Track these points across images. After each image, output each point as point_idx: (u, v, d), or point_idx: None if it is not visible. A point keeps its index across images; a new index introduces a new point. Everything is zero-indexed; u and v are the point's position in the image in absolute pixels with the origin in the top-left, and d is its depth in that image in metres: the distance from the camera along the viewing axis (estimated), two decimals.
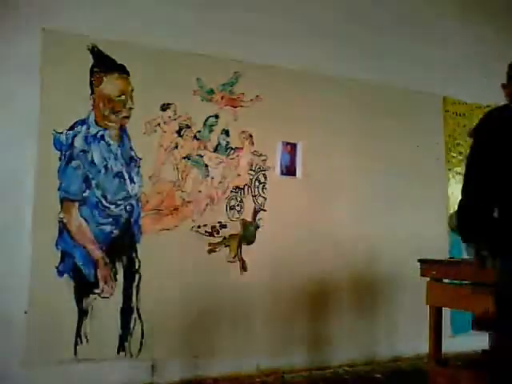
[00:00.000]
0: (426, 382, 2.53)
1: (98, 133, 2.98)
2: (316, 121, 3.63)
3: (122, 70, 3.06)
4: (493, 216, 1.47)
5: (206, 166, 3.26)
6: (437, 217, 4.09)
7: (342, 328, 3.59)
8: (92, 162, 2.95)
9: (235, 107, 3.37)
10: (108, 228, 2.97)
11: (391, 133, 3.93)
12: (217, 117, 3.31)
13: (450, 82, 4.23)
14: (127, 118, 3.06)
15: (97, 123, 2.98)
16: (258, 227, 3.37)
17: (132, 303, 2.99)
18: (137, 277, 3.02)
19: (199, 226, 3.20)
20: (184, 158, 3.20)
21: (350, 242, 3.67)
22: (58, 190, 2.86)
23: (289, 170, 3.52)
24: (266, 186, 3.43)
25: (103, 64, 3.01)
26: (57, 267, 2.83)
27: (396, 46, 4.02)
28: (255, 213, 3.38)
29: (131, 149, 3.06)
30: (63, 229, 2.86)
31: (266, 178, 3.44)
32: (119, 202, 3.00)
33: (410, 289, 3.69)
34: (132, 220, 3.03)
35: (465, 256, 3.11)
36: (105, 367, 2.90)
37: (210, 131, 3.29)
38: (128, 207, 3.03)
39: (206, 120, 3.27)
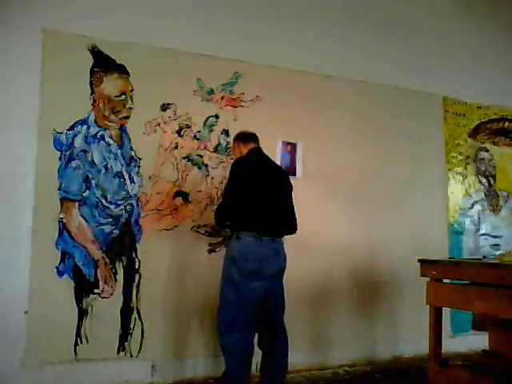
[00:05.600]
0: (425, 382, 2.53)
1: (98, 133, 2.98)
2: (316, 121, 3.63)
3: (122, 70, 3.06)
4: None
5: (206, 166, 3.26)
6: (437, 217, 4.09)
7: (342, 328, 3.59)
8: (92, 162, 2.95)
9: (235, 107, 3.37)
10: (108, 228, 2.97)
11: (391, 132, 3.93)
12: (217, 117, 3.31)
13: (450, 82, 4.23)
14: (127, 118, 3.07)
15: (97, 123, 2.98)
16: None
17: (132, 303, 2.99)
18: (137, 277, 3.02)
19: (199, 226, 3.20)
20: (184, 158, 3.20)
21: (350, 241, 3.67)
22: (58, 190, 2.86)
23: (289, 170, 3.51)
24: None
25: (103, 64, 3.02)
26: (57, 267, 2.83)
27: (396, 47, 4.02)
28: None
29: (131, 149, 3.06)
30: (63, 229, 2.86)
31: None
32: (119, 202, 3.00)
33: (410, 289, 3.69)
34: (132, 220, 3.03)
35: None
36: (105, 367, 2.90)
37: (210, 131, 3.29)
38: (128, 207, 3.03)
39: (206, 120, 3.28)
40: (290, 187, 2.77)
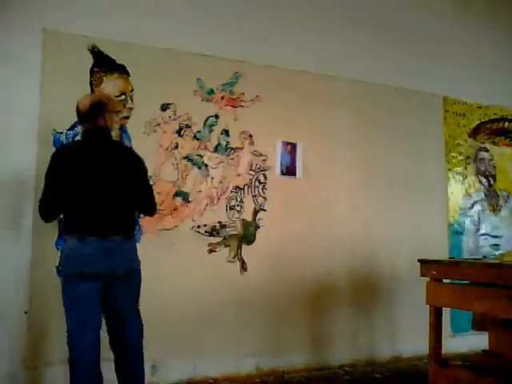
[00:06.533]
0: (426, 382, 2.53)
1: None
2: (316, 121, 3.63)
3: (122, 70, 3.06)
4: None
5: (206, 166, 3.26)
6: (437, 217, 4.09)
7: (342, 328, 3.59)
8: None
9: (235, 107, 3.37)
10: None
11: (391, 132, 3.93)
12: (217, 117, 3.31)
13: (450, 81, 4.23)
14: (127, 118, 3.06)
15: None
16: (258, 227, 3.37)
17: None
18: None
19: (199, 226, 3.20)
20: (184, 158, 3.20)
21: (350, 242, 3.67)
22: None
23: (289, 170, 3.52)
24: (266, 186, 3.43)
25: (103, 64, 3.02)
26: (57, 267, 2.82)
27: (396, 47, 4.02)
28: (255, 213, 3.38)
29: None
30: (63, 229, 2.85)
31: (265, 177, 3.44)
32: None
33: (410, 289, 3.69)
34: None
35: None
36: (105, 367, 2.89)
37: (210, 131, 3.29)
38: None
39: (206, 120, 3.28)
40: (134, 168, 2.40)
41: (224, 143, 3.32)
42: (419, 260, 2.60)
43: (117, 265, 2.27)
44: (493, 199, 4.37)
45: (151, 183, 2.56)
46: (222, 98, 3.34)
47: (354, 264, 3.69)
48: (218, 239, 3.26)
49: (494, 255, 3.74)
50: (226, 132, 3.33)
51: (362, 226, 3.74)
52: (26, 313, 2.74)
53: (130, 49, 3.08)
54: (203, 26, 3.29)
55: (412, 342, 3.69)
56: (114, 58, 3.04)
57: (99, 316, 2.30)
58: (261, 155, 3.43)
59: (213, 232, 3.24)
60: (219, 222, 3.27)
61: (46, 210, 2.31)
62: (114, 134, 3.01)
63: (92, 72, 2.99)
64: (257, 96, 3.43)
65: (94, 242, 2.23)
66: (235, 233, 3.31)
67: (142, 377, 2.40)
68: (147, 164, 3.06)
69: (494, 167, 4.40)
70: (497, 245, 4.29)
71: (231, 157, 3.34)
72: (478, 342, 3.13)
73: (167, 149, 3.16)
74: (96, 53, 3.00)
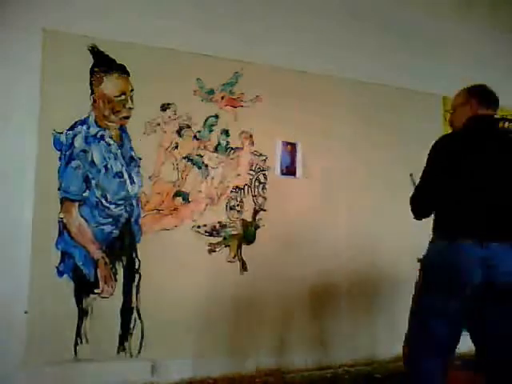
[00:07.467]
0: None
1: (98, 133, 2.98)
2: (316, 121, 3.63)
3: (122, 70, 3.06)
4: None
5: (206, 166, 3.26)
6: None
7: (342, 328, 3.59)
8: (92, 161, 2.95)
9: (235, 107, 3.37)
10: (108, 228, 2.97)
11: (391, 133, 3.93)
12: (217, 117, 3.31)
13: (450, 82, 4.22)
14: (127, 118, 3.06)
15: (97, 123, 2.98)
16: (258, 227, 3.38)
17: (132, 303, 3.00)
18: (137, 277, 3.02)
19: (199, 226, 3.20)
20: (184, 158, 3.20)
21: (350, 241, 3.67)
22: (58, 190, 2.86)
23: (289, 170, 3.52)
24: (266, 186, 3.43)
25: (103, 64, 3.02)
26: (57, 267, 2.83)
27: (396, 47, 4.02)
28: (255, 213, 3.38)
29: (131, 149, 3.06)
30: (63, 229, 2.86)
31: (266, 177, 3.44)
32: (119, 202, 3.01)
33: (410, 288, 3.69)
34: (132, 220, 3.03)
35: None
36: (105, 367, 2.90)
37: (210, 131, 3.29)
38: (128, 207, 3.03)
39: (206, 120, 3.28)
40: None
41: (224, 143, 3.32)
42: (419, 260, 2.60)
43: (495, 276, 1.86)
44: None
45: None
46: (222, 98, 3.34)
47: (354, 263, 3.68)
48: (218, 239, 3.26)
49: None
50: (226, 132, 3.33)
51: (362, 226, 3.74)
52: (26, 313, 2.74)
53: (130, 49, 3.08)
54: (203, 26, 3.29)
55: None
56: (113, 57, 3.04)
57: (456, 342, 2.12)
58: (261, 155, 3.43)
59: (213, 232, 3.24)
60: (219, 222, 3.27)
61: (417, 204, 2.22)
62: (114, 134, 3.03)
63: (92, 72, 2.99)
64: (257, 96, 3.43)
65: (468, 247, 1.87)
66: (235, 233, 3.31)
67: None
68: (146, 164, 3.10)
69: None
70: None
71: (231, 157, 3.34)
72: None
73: (167, 149, 3.16)
74: (96, 53, 3.00)
